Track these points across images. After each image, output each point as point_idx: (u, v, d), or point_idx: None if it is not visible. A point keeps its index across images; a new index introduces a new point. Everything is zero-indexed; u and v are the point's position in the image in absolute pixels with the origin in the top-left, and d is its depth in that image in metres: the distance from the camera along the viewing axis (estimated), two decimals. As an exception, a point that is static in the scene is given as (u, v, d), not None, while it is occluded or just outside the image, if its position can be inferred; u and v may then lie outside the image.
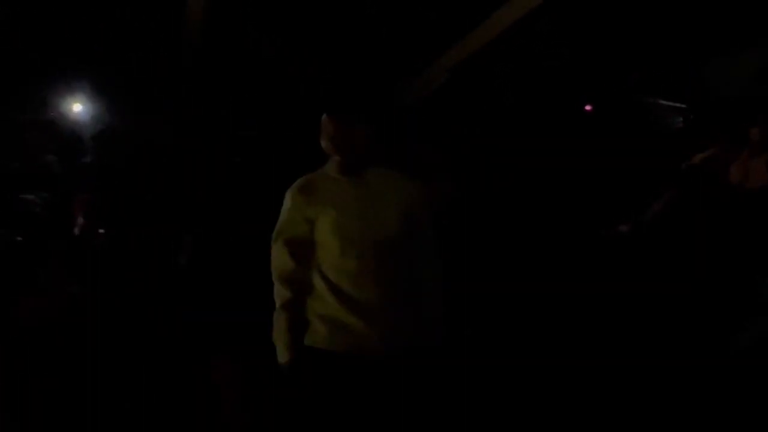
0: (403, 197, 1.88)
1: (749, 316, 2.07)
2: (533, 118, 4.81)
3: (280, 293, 1.88)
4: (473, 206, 3.26)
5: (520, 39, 4.51)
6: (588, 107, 5.40)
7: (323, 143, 1.88)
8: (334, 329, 1.82)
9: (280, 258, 1.89)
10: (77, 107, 5.08)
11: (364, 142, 1.86)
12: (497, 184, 3.89)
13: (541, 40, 4.67)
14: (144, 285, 2.94)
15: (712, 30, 4.27)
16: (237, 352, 2.62)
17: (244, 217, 3.42)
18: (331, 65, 4.60)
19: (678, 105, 5.34)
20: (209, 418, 2.50)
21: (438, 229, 1.95)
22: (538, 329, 3.10)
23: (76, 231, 3.23)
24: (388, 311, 1.81)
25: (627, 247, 3.15)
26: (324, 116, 1.86)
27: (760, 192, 2.47)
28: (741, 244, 2.37)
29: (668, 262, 2.94)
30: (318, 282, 1.87)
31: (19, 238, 3.29)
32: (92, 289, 2.75)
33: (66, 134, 4.91)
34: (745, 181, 2.57)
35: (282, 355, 1.82)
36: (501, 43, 4.47)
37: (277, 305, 1.88)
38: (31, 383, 2.26)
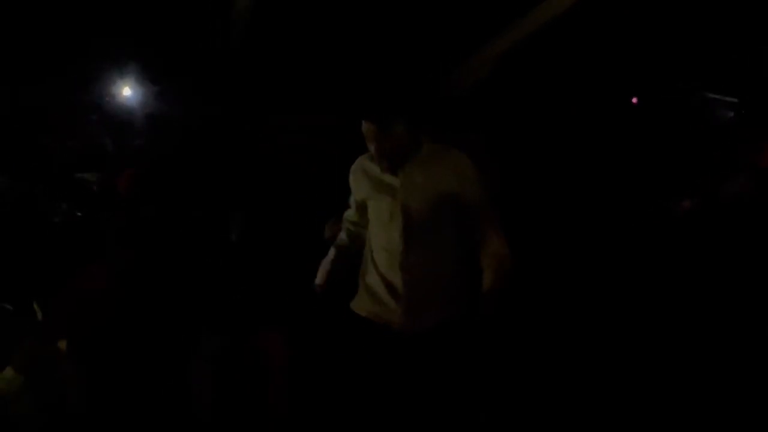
0: (439, 190, 1.95)
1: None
2: (575, 111, 4.75)
3: (340, 237, 2.20)
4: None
5: (566, 30, 4.46)
6: (634, 100, 5.30)
7: (367, 144, 1.98)
8: (373, 299, 2.04)
9: (348, 211, 2.19)
10: (127, 91, 5.27)
11: (404, 141, 1.93)
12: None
13: (586, 31, 4.60)
14: (194, 257, 3.05)
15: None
16: (284, 325, 2.71)
17: (293, 196, 3.52)
18: (368, 56, 4.63)
19: (730, 99, 5.21)
20: (258, 386, 2.60)
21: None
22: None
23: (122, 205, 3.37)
24: (410, 296, 1.97)
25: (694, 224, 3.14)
26: (363, 121, 1.94)
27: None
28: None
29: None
30: (368, 252, 2.08)
31: (79, 213, 3.46)
32: (145, 260, 2.88)
33: (119, 117, 5.10)
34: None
35: (318, 278, 2.19)
36: (546, 34, 4.42)
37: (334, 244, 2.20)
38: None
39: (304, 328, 2.70)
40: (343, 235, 2.20)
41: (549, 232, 3.52)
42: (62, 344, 1.75)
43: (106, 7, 4.91)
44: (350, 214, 2.17)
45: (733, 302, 2.78)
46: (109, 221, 3.11)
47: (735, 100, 5.14)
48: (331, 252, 2.18)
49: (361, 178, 2.05)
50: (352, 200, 2.15)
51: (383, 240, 1.99)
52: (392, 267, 1.97)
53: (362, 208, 2.10)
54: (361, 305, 2.08)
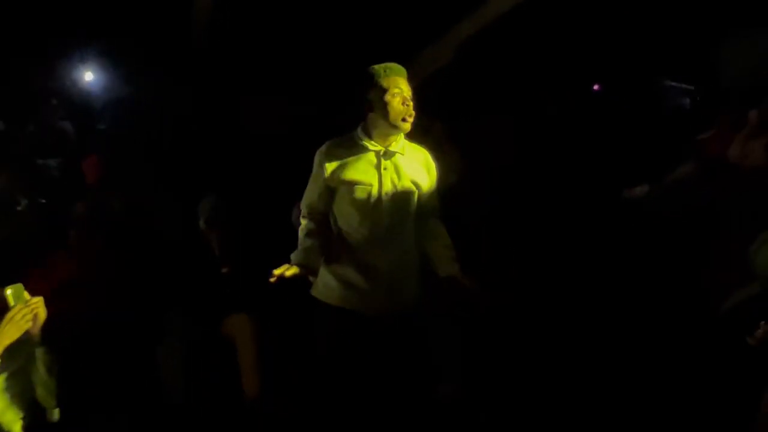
0: (414, 178, 2.09)
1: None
2: (541, 98, 4.83)
3: (307, 226, 2.14)
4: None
5: (527, 16, 4.52)
6: (596, 87, 5.44)
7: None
8: (345, 288, 2.08)
9: (310, 197, 2.15)
10: (89, 76, 5.16)
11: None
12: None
13: (548, 18, 4.67)
14: (162, 244, 3.05)
15: (726, 10, 4.26)
16: (253, 309, 2.75)
17: (262, 183, 3.53)
18: (330, 45, 4.62)
19: (686, 86, 5.37)
20: (228, 368, 2.65)
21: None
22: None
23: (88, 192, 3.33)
24: (392, 276, 2.08)
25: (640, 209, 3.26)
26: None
27: (754, 172, 2.54)
28: (738, 218, 2.46)
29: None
30: (335, 239, 2.11)
31: (43, 201, 3.40)
32: (114, 248, 2.87)
33: (79, 101, 5.00)
34: (742, 161, 2.64)
35: (294, 260, 2.07)
36: (508, 20, 4.48)
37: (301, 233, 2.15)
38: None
39: (273, 312, 2.75)
40: (309, 223, 2.16)
41: (506, 217, 3.61)
42: (34, 332, 1.76)
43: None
44: (313, 199, 2.15)
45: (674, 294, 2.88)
46: (75, 209, 3.06)
47: (691, 87, 5.31)
48: (306, 241, 2.13)
49: (336, 162, 2.06)
50: (316, 186, 2.13)
51: (364, 224, 2.04)
52: (373, 250, 2.04)
53: (328, 193, 2.10)
54: (329, 294, 2.11)
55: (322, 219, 2.16)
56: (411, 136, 2.17)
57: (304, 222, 2.17)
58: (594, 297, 3.19)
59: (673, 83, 5.45)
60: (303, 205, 2.19)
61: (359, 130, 2.11)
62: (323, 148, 2.12)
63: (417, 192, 2.10)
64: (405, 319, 2.10)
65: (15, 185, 3.27)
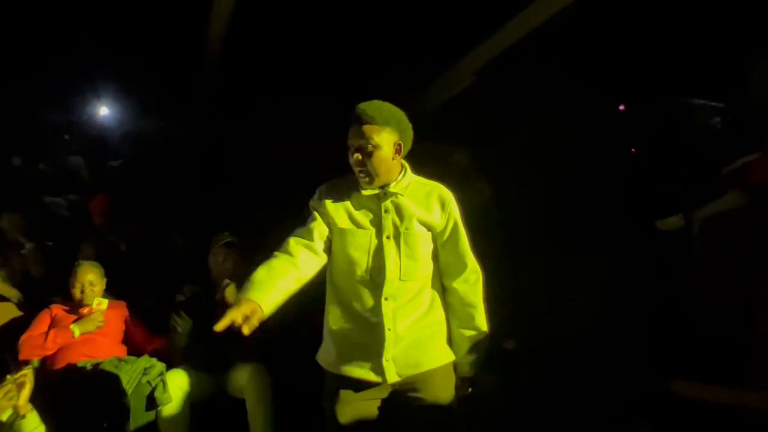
0: (428, 218, 1.85)
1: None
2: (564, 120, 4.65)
3: (285, 251, 1.80)
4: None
5: (550, 38, 4.36)
6: (621, 107, 5.24)
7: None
8: (345, 354, 1.83)
9: (302, 231, 1.86)
10: (104, 110, 5.10)
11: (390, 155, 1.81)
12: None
13: (571, 39, 4.51)
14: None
15: (758, 27, 4.06)
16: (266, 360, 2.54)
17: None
18: (348, 70, 4.51)
19: (716, 104, 5.15)
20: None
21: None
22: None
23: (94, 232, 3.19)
24: (401, 341, 1.81)
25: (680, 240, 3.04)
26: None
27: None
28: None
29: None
30: (334, 299, 1.87)
31: (50, 243, 3.27)
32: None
33: (92, 137, 4.92)
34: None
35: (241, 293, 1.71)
36: (527, 44, 4.33)
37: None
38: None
39: (287, 363, 2.53)
40: (283, 251, 1.80)
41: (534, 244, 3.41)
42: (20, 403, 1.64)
43: (81, 25, 4.73)
44: (303, 233, 1.84)
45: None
46: (80, 250, 2.93)
47: (721, 105, 5.08)
48: (262, 268, 1.74)
49: (339, 202, 1.85)
50: (313, 222, 1.86)
51: (364, 276, 1.80)
52: (376, 307, 1.80)
53: (325, 232, 1.85)
54: (329, 360, 1.86)
55: (304, 254, 1.80)
56: (428, 167, 1.98)
57: (288, 241, 1.83)
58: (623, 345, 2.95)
59: (702, 101, 5.22)
60: (293, 234, 1.86)
61: None
62: (320, 190, 1.90)
63: (429, 235, 1.87)
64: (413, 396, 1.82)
65: (17, 227, 3.13)
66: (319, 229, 1.84)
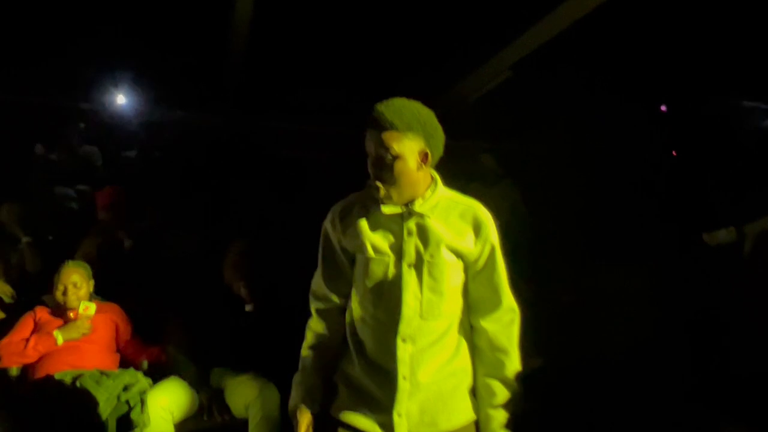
0: (459, 244, 1.56)
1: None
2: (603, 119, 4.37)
3: (312, 330, 1.65)
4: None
5: (586, 34, 4.07)
6: (663, 108, 4.92)
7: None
8: (355, 400, 1.57)
9: (317, 281, 1.66)
10: (121, 99, 4.97)
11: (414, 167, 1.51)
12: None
13: (608, 35, 4.21)
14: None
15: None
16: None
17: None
18: (376, 65, 4.28)
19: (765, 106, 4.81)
20: None
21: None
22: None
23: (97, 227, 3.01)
24: (422, 389, 1.54)
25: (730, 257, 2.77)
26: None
27: None
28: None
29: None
30: (348, 333, 1.61)
31: (50, 237, 3.11)
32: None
33: (108, 125, 4.79)
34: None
35: (292, 403, 1.61)
36: (567, 38, 4.04)
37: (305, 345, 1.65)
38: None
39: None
40: (318, 325, 1.63)
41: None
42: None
43: (102, 9, 4.60)
44: (323, 282, 1.63)
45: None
46: (81, 247, 2.76)
47: (768, 106, 4.75)
48: (308, 364, 1.60)
49: (355, 223, 1.57)
50: (327, 263, 1.62)
51: (380, 308, 1.54)
52: (392, 349, 1.52)
53: (345, 269, 1.61)
54: (337, 404, 1.60)
55: (338, 315, 1.62)
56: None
57: (310, 322, 1.65)
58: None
59: (753, 103, 4.87)
60: (311, 294, 1.66)
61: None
62: (334, 210, 1.63)
63: (459, 264, 1.58)
64: None
65: (17, 219, 2.96)
66: (338, 267, 1.61)
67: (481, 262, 1.58)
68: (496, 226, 1.61)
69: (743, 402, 2.45)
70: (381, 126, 1.49)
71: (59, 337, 2.37)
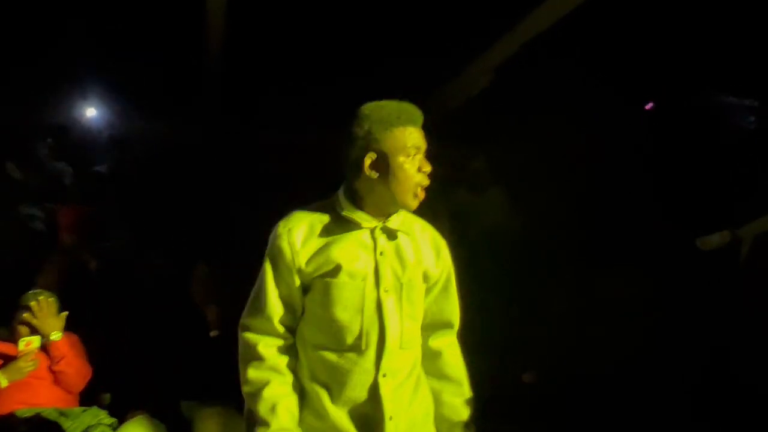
0: (429, 267, 1.46)
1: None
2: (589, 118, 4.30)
3: (261, 357, 1.39)
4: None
5: (570, 32, 4.00)
6: (648, 106, 4.87)
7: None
8: None
9: (267, 304, 1.42)
10: (91, 112, 4.78)
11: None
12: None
13: (592, 33, 4.14)
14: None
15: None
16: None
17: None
18: (360, 68, 4.16)
19: (749, 102, 4.76)
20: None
21: None
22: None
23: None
24: (398, 427, 1.37)
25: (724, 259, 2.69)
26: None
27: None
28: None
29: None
30: (307, 374, 1.40)
31: (9, 259, 2.92)
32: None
33: (78, 141, 4.61)
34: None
35: None
36: (550, 37, 3.96)
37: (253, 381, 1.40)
38: None
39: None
40: (269, 355, 1.37)
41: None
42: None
43: (67, 23, 4.42)
44: (275, 307, 1.39)
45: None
46: (42, 270, 2.58)
47: (756, 103, 4.69)
48: (267, 396, 1.36)
49: (309, 244, 1.37)
50: (279, 284, 1.39)
51: (353, 343, 1.35)
52: (368, 388, 1.36)
53: (301, 294, 1.40)
54: None
55: (291, 344, 1.41)
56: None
57: (257, 350, 1.38)
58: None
59: (734, 99, 4.83)
60: (250, 320, 1.42)
61: (341, 195, 1.42)
62: (285, 223, 1.41)
63: (424, 287, 1.45)
64: None
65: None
66: (294, 292, 1.39)
67: (441, 284, 1.48)
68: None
69: (744, 407, 2.39)
70: (419, 121, 1.39)
71: (3, 381, 2.14)
